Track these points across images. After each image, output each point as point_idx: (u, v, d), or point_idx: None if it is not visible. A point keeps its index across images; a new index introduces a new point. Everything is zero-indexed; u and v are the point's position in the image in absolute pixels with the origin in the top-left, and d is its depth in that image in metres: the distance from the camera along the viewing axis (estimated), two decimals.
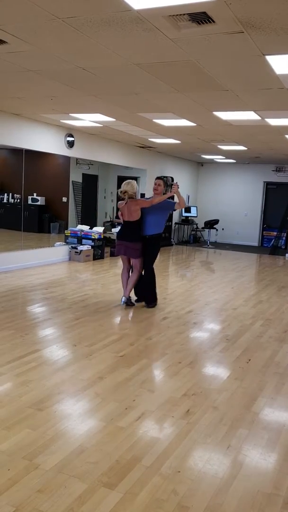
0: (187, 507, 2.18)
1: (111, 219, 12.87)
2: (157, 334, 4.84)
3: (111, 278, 7.80)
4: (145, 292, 6.07)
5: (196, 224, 14.89)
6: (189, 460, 2.56)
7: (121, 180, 13.52)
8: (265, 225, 14.78)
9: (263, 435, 2.89)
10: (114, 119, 7.57)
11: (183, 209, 14.50)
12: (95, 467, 2.45)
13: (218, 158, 13.68)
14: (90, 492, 2.24)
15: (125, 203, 5.87)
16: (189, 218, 14.65)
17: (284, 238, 13.60)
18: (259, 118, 6.66)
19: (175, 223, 14.19)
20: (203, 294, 7.02)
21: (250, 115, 6.51)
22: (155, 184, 6.20)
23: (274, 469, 2.54)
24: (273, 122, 6.97)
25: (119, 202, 6.02)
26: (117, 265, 9.33)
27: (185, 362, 4.06)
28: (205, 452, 2.66)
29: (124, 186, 5.89)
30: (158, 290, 7.05)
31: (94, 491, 2.25)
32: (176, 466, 2.50)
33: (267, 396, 3.47)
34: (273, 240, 13.85)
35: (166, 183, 6.21)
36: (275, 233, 14.02)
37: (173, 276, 8.89)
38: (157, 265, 9.73)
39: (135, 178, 13.04)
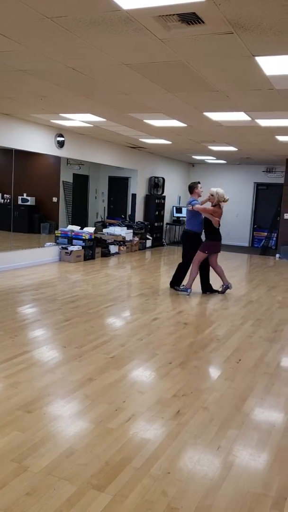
0: (176, 508, 2.17)
1: (102, 219, 12.84)
2: (147, 334, 4.83)
3: (102, 279, 7.78)
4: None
5: None
6: (179, 461, 2.56)
7: (112, 180, 13.59)
8: (255, 226, 14.85)
9: (253, 436, 2.89)
10: (104, 119, 7.55)
11: (175, 210, 14.52)
12: (85, 469, 2.43)
13: (209, 159, 13.72)
14: (79, 494, 2.23)
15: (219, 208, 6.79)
16: (181, 218, 14.67)
17: (274, 238, 13.66)
18: (249, 119, 6.69)
19: (167, 224, 14.20)
20: (194, 294, 7.02)
21: (240, 116, 6.53)
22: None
23: (264, 469, 2.54)
24: (263, 123, 6.99)
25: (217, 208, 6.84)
26: (108, 266, 9.31)
27: (175, 363, 4.06)
28: (195, 453, 2.65)
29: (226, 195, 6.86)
30: (148, 291, 7.06)
31: (83, 493, 2.24)
32: (166, 468, 2.49)
33: (257, 396, 3.48)
34: (264, 240, 13.91)
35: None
36: (265, 233, 14.08)
37: (164, 276, 8.89)
38: (149, 266, 9.74)
39: (126, 179, 13.07)
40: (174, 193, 14.71)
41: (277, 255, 12.43)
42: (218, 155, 12.34)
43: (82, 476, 2.37)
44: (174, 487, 2.33)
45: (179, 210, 14.57)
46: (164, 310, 5.92)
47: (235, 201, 14.84)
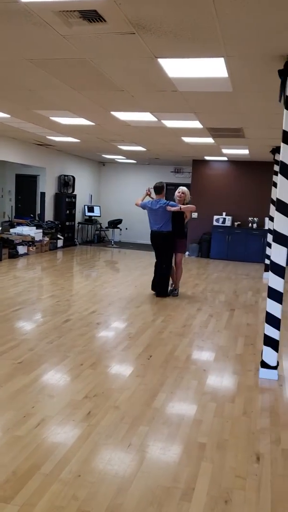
0: (87, 511, 2.14)
1: (10, 219, 12.37)
2: (58, 337, 4.74)
3: (10, 281, 7.49)
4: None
5: (100, 224, 14.89)
6: (90, 463, 2.53)
7: (19, 178, 13.14)
8: None
9: (163, 430, 2.95)
10: (8, 115, 7.26)
11: (87, 209, 14.42)
12: None
13: (119, 158, 13.81)
14: None
15: None
16: (93, 217, 14.60)
17: None
18: (155, 119, 6.82)
19: (78, 223, 14.06)
20: (107, 293, 7.03)
21: (147, 117, 6.63)
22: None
23: (174, 462, 2.60)
24: (169, 124, 7.17)
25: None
26: (16, 267, 9.00)
27: (87, 364, 4.02)
28: (106, 453, 2.64)
29: None
30: (60, 292, 6.95)
31: None
32: (77, 471, 2.45)
33: (167, 391, 3.56)
34: None
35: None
36: None
37: (77, 276, 8.80)
38: (60, 267, 9.56)
39: (35, 177, 12.72)
40: (85, 192, 14.60)
41: (187, 253, 12.85)
42: (128, 154, 12.46)
43: None
44: (84, 490, 2.30)
45: (91, 209, 14.49)
46: (76, 311, 5.84)
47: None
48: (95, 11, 3.06)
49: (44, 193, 12.37)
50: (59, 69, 4.48)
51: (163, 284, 7.01)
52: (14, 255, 10.04)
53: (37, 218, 12.32)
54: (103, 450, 2.67)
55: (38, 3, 2.96)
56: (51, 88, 5.29)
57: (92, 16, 3.14)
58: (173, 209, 6.70)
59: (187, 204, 6.99)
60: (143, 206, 6.99)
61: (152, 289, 7.14)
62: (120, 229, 14.83)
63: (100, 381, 3.66)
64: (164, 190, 6.92)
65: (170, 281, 7.17)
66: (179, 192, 7.02)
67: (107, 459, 2.58)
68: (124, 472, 2.47)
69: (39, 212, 12.64)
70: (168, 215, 6.76)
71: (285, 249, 3.84)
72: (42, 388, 3.46)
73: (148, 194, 7.13)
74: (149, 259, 11.43)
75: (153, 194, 7.10)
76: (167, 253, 6.89)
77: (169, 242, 6.85)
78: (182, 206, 6.79)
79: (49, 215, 12.48)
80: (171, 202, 6.82)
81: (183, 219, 6.92)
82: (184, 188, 7.10)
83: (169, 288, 7.15)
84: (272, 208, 8.99)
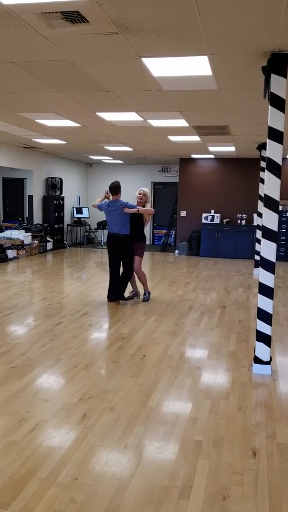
0: None
1: None
2: (51, 340, 4.71)
3: (0, 286, 7.44)
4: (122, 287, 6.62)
5: (89, 225, 14.85)
6: (86, 466, 2.52)
7: (6, 181, 13.06)
8: (155, 224, 15.24)
9: (159, 429, 2.95)
10: None
11: (75, 210, 14.37)
12: None
13: (106, 159, 13.78)
14: None
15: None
16: (82, 219, 14.56)
17: (173, 235, 14.15)
18: (141, 119, 6.81)
19: (67, 225, 14.00)
20: (98, 295, 7.01)
21: (132, 116, 6.63)
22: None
23: (170, 461, 2.60)
24: (155, 123, 7.17)
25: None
26: (6, 271, 8.94)
27: (80, 366, 4.01)
28: (102, 454, 2.64)
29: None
30: (51, 295, 6.91)
31: None
32: (74, 474, 2.44)
33: (161, 390, 3.56)
34: (163, 238, 14.35)
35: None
36: (164, 231, 14.54)
37: (68, 278, 8.77)
38: (51, 269, 9.52)
39: (22, 180, 12.66)
40: (73, 194, 14.56)
41: (176, 252, 12.88)
42: (114, 155, 12.44)
43: None
44: (82, 493, 2.29)
45: (79, 210, 14.44)
46: (68, 314, 5.82)
47: (133, 200, 15.07)
48: (78, 12, 3.05)
49: (32, 196, 12.31)
50: (43, 71, 4.46)
51: (121, 288, 6.54)
52: (3, 259, 9.98)
53: (25, 222, 12.26)
54: (99, 452, 2.67)
55: (20, 5, 2.94)
56: (35, 90, 5.26)
57: (74, 17, 3.13)
58: (130, 210, 6.29)
59: (145, 206, 6.61)
60: (99, 207, 6.58)
61: (108, 296, 6.58)
62: None
63: (94, 383, 3.65)
64: (120, 190, 6.48)
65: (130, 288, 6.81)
66: (140, 194, 6.63)
67: (104, 461, 2.57)
68: (121, 473, 2.46)
69: (27, 215, 12.58)
70: (126, 217, 6.34)
71: (274, 244, 3.86)
72: (36, 392, 3.44)
73: (107, 197, 6.55)
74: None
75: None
76: (126, 256, 6.47)
77: (127, 245, 6.41)
78: (141, 208, 6.39)
79: (37, 218, 12.42)
80: (129, 203, 6.42)
81: (142, 222, 6.52)
82: (145, 190, 6.72)
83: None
84: (260, 204, 9.05)
